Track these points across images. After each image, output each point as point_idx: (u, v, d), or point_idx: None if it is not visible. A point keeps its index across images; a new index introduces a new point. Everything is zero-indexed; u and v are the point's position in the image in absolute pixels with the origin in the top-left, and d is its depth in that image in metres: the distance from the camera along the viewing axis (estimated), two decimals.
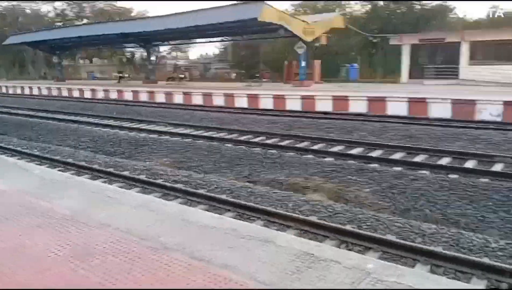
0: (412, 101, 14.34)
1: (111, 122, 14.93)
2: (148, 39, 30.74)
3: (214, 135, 11.47)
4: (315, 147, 9.68)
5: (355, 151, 9.12)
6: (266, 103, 18.41)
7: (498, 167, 7.31)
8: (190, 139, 11.04)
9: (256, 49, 38.15)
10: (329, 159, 8.27)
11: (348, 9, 38.73)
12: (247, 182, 7.62)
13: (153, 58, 35.39)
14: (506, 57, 22.03)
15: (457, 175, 6.87)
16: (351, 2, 40.12)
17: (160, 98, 22.83)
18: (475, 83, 20.82)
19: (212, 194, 5.99)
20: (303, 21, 23.28)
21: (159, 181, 6.99)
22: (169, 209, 3.58)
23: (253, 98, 19.08)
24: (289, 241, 2.65)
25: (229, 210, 5.53)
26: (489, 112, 12.67)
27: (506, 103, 12.44)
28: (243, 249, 2.58)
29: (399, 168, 7.43)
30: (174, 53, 49.80)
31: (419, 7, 36.02)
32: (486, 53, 22.91)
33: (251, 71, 35.23)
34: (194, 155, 9.48)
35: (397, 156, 8.54)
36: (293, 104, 17.27)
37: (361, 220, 5.06)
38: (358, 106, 15.30)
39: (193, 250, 2.69)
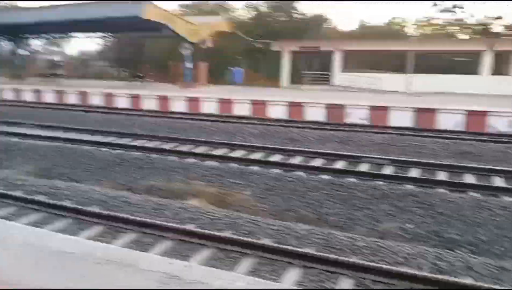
0: (291, 105, 15.09)
1: None
2: (16, 32, 27.29)
3: (88, 138, 10.54)
4: (198, 150, 9.51)
5: (238, 153, 9.19)
6: (149, 104, 17.70)
7: (363, 167, 8.00)
8: (60, 143, 9.96)
9: (141, 47, 36.58)
10: (211, 163, 8.17)
11: (235, 14, 39.55)
12: (124, 190, 7.12)
13: (23, 52, 31.47)
14: (372, 65, 24.70)
15: (329, 175, 7.32)
16: (238, 7, 41.04)
17: (28, 96, 20.39)
18: (346, 89, 22.88)
19: (79, 207, 5.38)
20: (188, 22, 22.98)
21: (16, 193, 6.08)
22: (13, 231, 3.03)
23: (135, 98, 18.19)
24: (152, 263, 2.40)
25: (98, 224, 5.02)
26: (358, 115, 13.94)
27: (372, 108, 13.82)
28: (97, 278, 2.26)
29: (278, 170, 7.65)
30: (51, 48, 45.04)
31: (298, 16, 38.41)
32: (355, 61, 25.38)
33: (135, 70, 33.67)
34: (64, 162, 8.56)
35: (277, 158, 8.83)
36: (178, 105, 16.90)
37: (240, 225, 5.02)
38: (242, 108, 15.57)
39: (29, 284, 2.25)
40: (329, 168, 7.76)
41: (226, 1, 40.29)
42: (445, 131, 12.21)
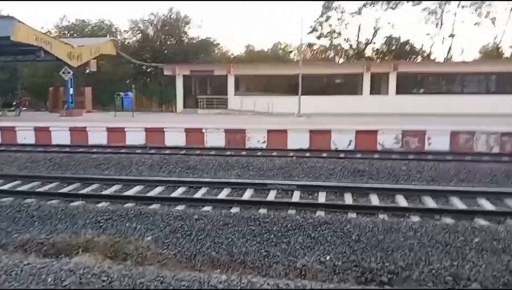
0: (189, 131, 14.43)
1: None
2: None
3: None
4: (86, 190, 8.29)
5: (133, 191, 8.21)
6: (26, 136, 15.46)
7: (272, 196, 7.68)
8: None
9: (14, 72, 32.52)
10: (103, 205, 7.08)
11: (119, 36, 37.72)
12: None
13: None
14: (264, 88, 25.35)
15: (238, 208, 6.83)
16: (123, 29, 39.24)
17: None
18: (242, 113, 22.99)
19: None
20: (68, 44, 21.02)
21: None
22: None
23: (8, 131, 15.74)
24: None
25: None
26: (256, 139, 13.85)
27: (269, 131, 13.85)
28: None
29: (182, 207, 6.92)
30: None
31: (186, 40, 38.16)
32: (248, 85, 25.83)
33: (7, 98, 29.71)
34: None
35: (179, 191, 8.08)
36: (61, 137, 15.02)
37: (144, 285, 4.19)
38: (135, 137, 14.42)
39: None
40: (237, 199, 7.27)
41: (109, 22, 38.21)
42: (340, 151, 12.73)
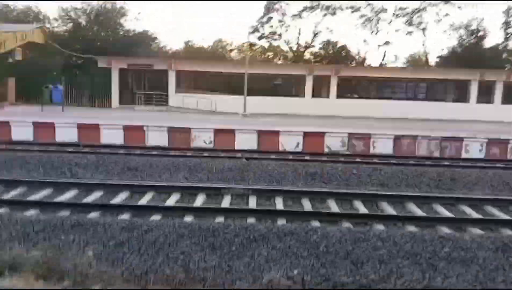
0: (128, 129, 13.39)
1: None
2: None
3: None
4: (10, 195, 7.14)
5: (68, 196, 7.21)
6: None
7: (226, 202, 7.12)
8: None
9: None
10: (31, 213, 6.08)
11: (48, 25, 34.76)
12: None
13: None
14: (206, 86, 24.60)
15: (191, 217, 6.20)
16: (52, 16, 36.27)
17: None
18: (181, 110, 22.08)
19: None
20: None
21: None
22: None
23: None
24: None
25: None
26: (203, 139, 13.18)
27: (216, 131, 13.26)
28: None
29: (127, 216, 6.13)
30: None
31: (122, 32, 36.20)
32: (189, 82, 24.91)
33: None
34: None
35: (122, 197, 7.23)
36: None
37: None
38: (66, 134, 13.06)
39: None
40: (189, 207, 6.62)
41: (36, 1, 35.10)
42: (288, 152, 12.49)
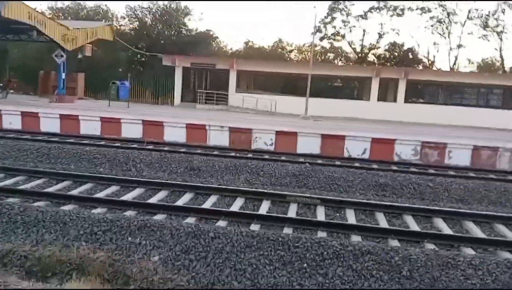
0: (190, 127, 13.38)
1: None
2: None
3: None
4: (79, 190, 7.21)
5: (134, 194, 7.16)
6: (12, 121, 14.26)
7: (293, 211, 6.71)
8: None
9: (4, 52, 30.92)
10: (99, 211, 6.03)
11: (115, 23, 36.37)
12: None
13: None
14: (264, 87, 24.33)
15: (258, 226, 5.85)
16: (119, 15, 37.93)
17: None
18: (242, 110, 21.97)
19: None
20: (63, 25, 19.74)
21: None
22: None
23: None
24: None
25: None
26: (263, 141, 12.86)
27: (277, 133, 12.87)
28: None
29: (192, 220, 5.91)
30: None
31: (185, 32, 36.98)
32: (249, 82, 24.77)
33: None
34: None
35: (186, 199, 7.06)
36: (50, 124, 13.86)
37: None
38: (131, 130, 13.32)
39: None
40: (255, 214, 6.27)
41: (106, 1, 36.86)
42: (354, 159, 11.83)
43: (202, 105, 22.94)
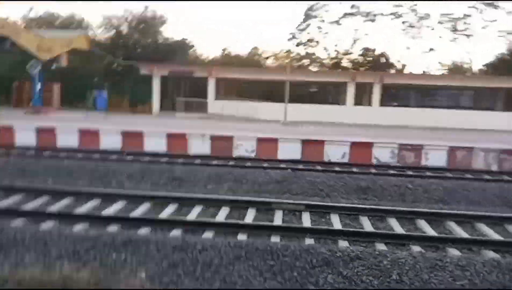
0: (171, 137, 13.23)
1: None
2: None
3: None
4: (57, 206, 7.00)
5: (115, 207, 7.00)
6: None
7: (279, 218, 6.70)
8: None
9: None
10: (79, 228, 5.87)
11: (91, 32, 35.79)
12: None
13: None
14: (245, 93, 24.35)
15: (245, 235, 5.81)
16: (95, 24, 37.38)
17: None
18: (222, 118, 21.91)
19: None
20: (38, 35, 19.31)
21: None
22: None
23: None
24: None
25: None
26: (245, 148, 12.84)
27: (259, 140, 12.88)
28: None
29: (178, 233, 5.82)
30: None
31: (161, 40, 36.71)
32: (228, 89, 24.77)
33: None
34: None
35: (169, 211, 6.95)
36: (26, 138, 13.44)
37: None
38: (110, 141, 13.06)
39: None
40: (241, 224, 6.23)
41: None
42: (334, 163, 11.93)
43: (182, 113, 22.77)
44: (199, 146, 13.00)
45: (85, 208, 6.91)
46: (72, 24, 36.67)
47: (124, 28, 36.72)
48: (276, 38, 71.58)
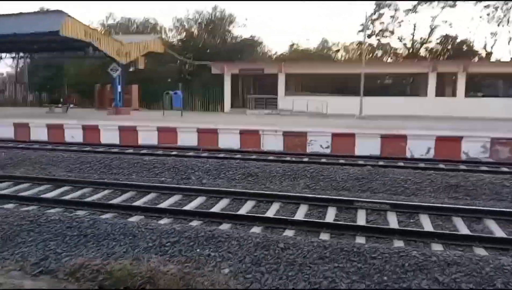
0: (243, 133, 13.31)
1: None
2: None
3: None
4: (143, 200, 7.28)
5: (196, 203, 7.11)
6: (74, 135, 14.92)
7: (362, 218, 6.35)
8: None
9: (61, 69, 32.77)
10: (164, 223, 6.01)
11: (164, 35, 37.42)
12: (37, 273, 4.81)
13: None
14: (313, 89, 23.88)
15: (327, 235, 5.56)
16: (167, 27, 39.03)
17: None
18: (291, 113, 21.68)
19: None
20: (117, 40, 20.51)
21: None
22: None
23: (56, 129, 15.26)
24: None
25: None
26: (319, 144, 12.52)
27: (334, 135, 12.48)
28: None
29: (258, 230, 5.73)
30: None
31: (229, 39, 37.30)
32: (298, 84, 24.46)
33: (55, 95, 29.94)
34: None
35: (248, 206, 6.90)
36: (109, 136, 14.34)
37: None
38: (188, 139, 13.47)
39: None
40: (323, 222, 5.98)
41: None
42: (418, 159, 11.19)
43: (252, 110, 22.92)
44: (272, 143, 12.91)
45: (168, 202, 7.10)
46: (147, 28, 38.58)
47: (195, 30, 37.88)
48: (346, 30, 69.49)
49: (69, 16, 17.04)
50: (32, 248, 5.33)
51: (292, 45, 41.07)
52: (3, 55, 28.12)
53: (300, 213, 6.56)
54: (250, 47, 36.89)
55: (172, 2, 55.65)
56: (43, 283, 4.65)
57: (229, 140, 13.20)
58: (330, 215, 6.48)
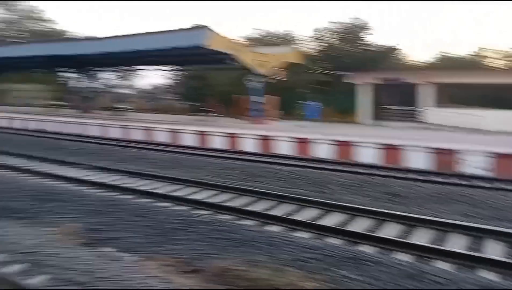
0: (385, 148, 12.49)
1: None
2: (81, 63, 27.56)
3: (146, 189, 8.74)
4: (280, 210, 7.30)
5: (334, 219, 6.84)
6: (218, 141, 16.08)
7: None
8: (115, 193, 8.31)
9: (204, 79, 35.91)
10: (303, 236, 5.89)
11: (301, 46, 37.99)
12: (187, 272, 5.11)
13: (92, 84, 31.88)
14: (472, 100, 21.38)
15: (494, 274, 4.73)
16: (305, 39, 39.60)
17: (94, 131, 19.82)
18: (436, 127, 19.80)
19: None
20: (256, 52, 21.53)
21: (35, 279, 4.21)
22: None
23: (201, 135, 16.66)
24: None
25: None
26: (474, 164, 11.02)
27: (500, 156, 10.77)
28: None
29: (405, 257, 5.19)
30: (122, 81, 46.04)
31: (365, 47, 36.01)
32: (446, 95, 22.23)
33: (199, 104, 32.85)
34: (116, 220, 6.72)
35: (392, 230, 6.35)
36: (248, 144, 15.04)
37: None
38: (322, 150, 13.29)
39: None
40: (487, 258, 5.12)
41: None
42: None
43: (390, 122, 21.62)
44: (415, 159, 11.88)
45: (305, 216, 7.00)
46: (288, 40, 39.72)
47: (333, 40, 37.61)
48: (502, 34, 61.23)
49: (212, 30, 18.47)
50: (184, 245, 5.70)
51: (439, 52, 37.79)
52: (161, 67, 31.85)
53: (454, 243, 5.77)
54: (388, 55, 35.17)
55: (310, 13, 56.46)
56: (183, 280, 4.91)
57: (368, 154, 12.58)
58: (494, 250, 5.54)
